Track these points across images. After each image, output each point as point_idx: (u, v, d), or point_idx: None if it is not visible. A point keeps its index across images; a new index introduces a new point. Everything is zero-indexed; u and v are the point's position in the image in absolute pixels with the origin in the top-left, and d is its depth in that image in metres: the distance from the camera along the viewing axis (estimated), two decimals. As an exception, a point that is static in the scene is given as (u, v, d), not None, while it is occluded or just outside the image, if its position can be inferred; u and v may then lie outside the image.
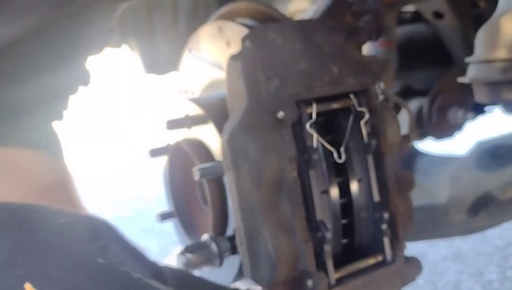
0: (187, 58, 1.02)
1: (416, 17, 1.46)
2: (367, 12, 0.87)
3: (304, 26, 0.80)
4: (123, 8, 0.98)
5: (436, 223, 1.08)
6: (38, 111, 0.94)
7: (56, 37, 0.92)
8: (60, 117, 1.02)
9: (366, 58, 0.81)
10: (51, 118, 0.99)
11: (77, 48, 0.97)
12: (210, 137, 0.89)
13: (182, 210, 1.00)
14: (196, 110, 0.90)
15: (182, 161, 0.96)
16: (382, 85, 0.80)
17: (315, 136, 0.75)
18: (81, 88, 1.04)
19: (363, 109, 0.78)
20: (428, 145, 1.42)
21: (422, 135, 1.33)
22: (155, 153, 0.98)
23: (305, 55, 0.77)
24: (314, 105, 0.75)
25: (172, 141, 0.97)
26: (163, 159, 1.01)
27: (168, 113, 0.96)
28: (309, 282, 0.74)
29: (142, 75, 1.65)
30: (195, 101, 0.92)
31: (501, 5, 1.03)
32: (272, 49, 0.76)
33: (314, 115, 0.75)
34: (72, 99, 1.04)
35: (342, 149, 0.78)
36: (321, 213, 0.76)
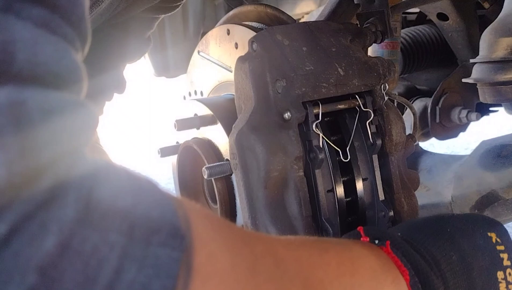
0: (196, 60, 1.04)
1: (421, 18, 1.47)
2: (373, 14, 0.89)
3: (310, 28, 0.81)
4: (161, 18, 1.02)
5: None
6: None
7: (98, 45, 0.95)
8: None
9: (372, 59, 0.82)
10: None
11: (117, 56, 1.01)
12: (219, 137, 0.91)
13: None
14: (205, 111, 0.92)
15: (192, 161, 0.98)
16: (387, 85, 0.82)
17: (321, 136, 0.76)
18: (116, 95, 1.07)
19: (368, 109, 0.80)
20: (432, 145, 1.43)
21: (426, 135, 1.34)
22: (164, 152, 1.00)
23: (311, 57, 0.78)
24: (320, 106, 0.77)
25: (181, 141, 0.99)
26: (173, 158, 1.03)
27: (177, 114, 0.98)
28: (316, 279, 0.76)
29: (152, 77, 1.67)
30: (204, 102, 0.94)
31: (506, 6, 1.04)
32: (279, 50, 0.78)
33: (320, 116, 0.77)
34: (107, 105, 1.07)
35: (347, 149, 0.79)
36: (327, 212, 0.77)
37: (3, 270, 0.30)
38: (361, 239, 0.60)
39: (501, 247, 0.61)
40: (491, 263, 0.60)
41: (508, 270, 0.60)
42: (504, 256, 0.61)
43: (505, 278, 0.59)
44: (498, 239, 0.62)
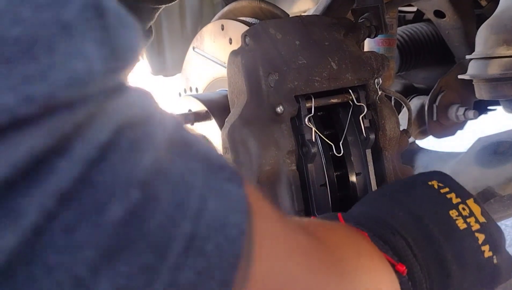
0: (191, 57, 1.04)
1: (418, 17, 1.47)
2: (368, 9, 0.88)
3: (303, 22, 0.81)
4: (161, 9, 1.01)
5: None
6: None
7: None
8: None
9: (365, 54, 0.82)
10: None
11: None
12: (213, 132, 0.91)
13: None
14: (199, 106, 0.92)
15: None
16: (381, 80, 0.82)
17: (314, 130, 0.76)
18: None
19: (361, 103, 0.79)
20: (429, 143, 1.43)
21: (423, 133, 1.34)
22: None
23: (304, 50, 0.78)
24: (313, 100, 0.77)
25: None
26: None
27: (172, 110, 0.97)
28: (308, 274, 0.75)
29: (149, 76, 1.67)
30: (198, 97, 0.94)
31: (502, 2, 1.04)
32: (272, 44, 0.77)
33: (312, 109, 0.76)
34: None
35: (340, 143, 0.79)
36: (320, 206, 0.77)
37: (103, 185, 0.27)
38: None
39: (446, 189, 0.61)
40: (439, 206, 0.59)
41: (461, 206, 0.59)
42: (451, 195, 0.60)
43: (460, 215, 0.59)
44: (440, 184, 0.62)
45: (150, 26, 1.03)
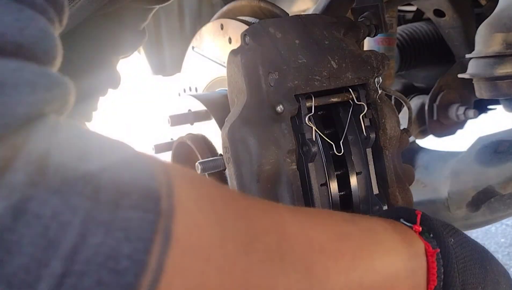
0: (191, 56, 1.04)
1: (418, 16, 1.47)
2: (368, 8, 0.88)
3: (303, 21, 0.81)
4: (155, 10, 1.01)
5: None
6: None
7: (90, 36, 0.94)
8: (88, 118, 1.04)
9: (365, 53, 0.81)
10: (79, 119, 1.01)
11: (111, 48, 0.99)
12: (213, 132, 0.91)
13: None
14: (199, 106, 0.92)
15: (186, 156, 0.98)
16: (381, 79, 0.81)
17: (314, 129, 0.76)
18: (110, 90, 1.06)
19: (362, 102, 0.79)
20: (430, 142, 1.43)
21: (423, 133, 1.34)
22: (159, 148, 0.99)
23: (304, 50, 0.78)
24: (313, 99, 0.76)
25: (175, 137, 0.99)
26: (167, 155, 1.02)
27: (172, 110, 0.97)
28: (309, 273, 0.75)
29: (149, 75, 1.67)
30: (198, 97, 0.93)
31: (501, 1, 1.03)
32: (272, 43, 0.77)
33: (313, 109, 0.76)
34: (101, 100, 1.06)
35: (341, 142, 0.79)
36: (320, 206, 0.77)
37: None
38: (413, 226, 0.56)
39: None
40: None
41: None
42: None
43: None
44: None
45: (144, 27, 1.03)
